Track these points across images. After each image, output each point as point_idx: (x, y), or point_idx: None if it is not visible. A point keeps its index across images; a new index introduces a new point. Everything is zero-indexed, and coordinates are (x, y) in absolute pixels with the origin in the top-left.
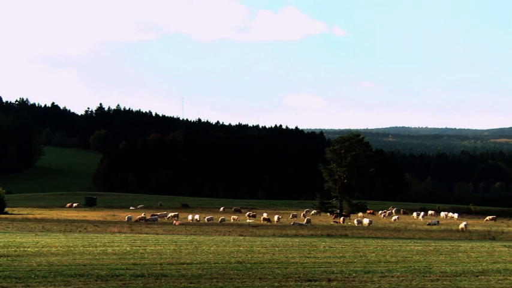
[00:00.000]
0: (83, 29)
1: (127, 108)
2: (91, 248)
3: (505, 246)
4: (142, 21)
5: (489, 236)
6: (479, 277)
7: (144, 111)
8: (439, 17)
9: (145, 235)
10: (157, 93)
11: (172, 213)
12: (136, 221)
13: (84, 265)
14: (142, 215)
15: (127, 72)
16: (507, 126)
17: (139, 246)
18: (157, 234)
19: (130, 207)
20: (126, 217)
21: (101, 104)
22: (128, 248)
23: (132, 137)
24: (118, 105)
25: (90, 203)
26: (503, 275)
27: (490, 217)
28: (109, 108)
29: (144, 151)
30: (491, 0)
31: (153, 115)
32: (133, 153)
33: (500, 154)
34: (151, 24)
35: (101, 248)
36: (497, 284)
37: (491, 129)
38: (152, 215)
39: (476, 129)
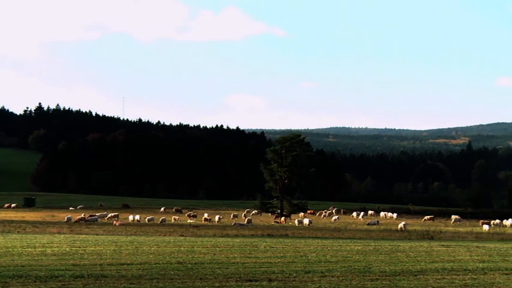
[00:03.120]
0: (22, 28)
1: (67, 108)
2: (30, 249)
3: (443, 245)
4: (82, 20)
5: (427, 236)
6: (417, 276)
7: (84, 111)
8: (380, 16)
9: (85, 236)
10: (97, 93)
11: (112, 214)
12: (76, 221)
13: (23, 266)
14: (82, 215)
15: (67, 71)
16: (445, 127)
17: (79, 247)
18: (97, 234)
19: (70, 208)
20: (66, 217)
21: (40, 103)
22: (67, 249)
23: (72, 137)
24: (57, 105)
25: (28, 204)
26: (441, 274)
27: (428, 217)
28: (48, 108)
29: (84, 151)
30: (433, 1)
31: (93, 115)
32: (73, 153)
33: (438, 154)
34: (92, 23)
35: (39, 249)
36: (435, 283)
37: (430, 130)
38: (91, 215)
39: (415, 130)
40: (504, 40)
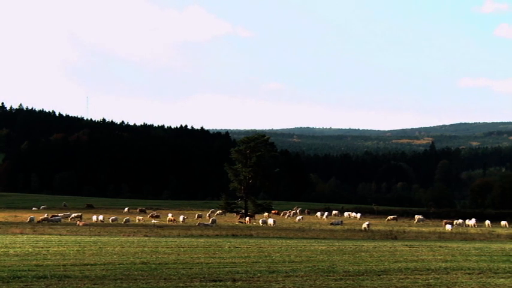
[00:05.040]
0: None
1: (30, 108)
2: None
3: (406, 245)
4: (45, 19)
5: (391, 236)
6: (381, 276)
7: (47, 111)
8: (344, 17)
9: (48, 236)
10: (61, 92)
11: (76, 214)
12: (39, 221)
13: None
14: (45, 215)
15: (30, 71)
16: (408, 127)
17: (42, 248)
18: (60, 235)
19: (33, 208)
20: (29, 218)
21: (2, 103)
22: (30, 249)
23: (35, 137)
24: (20, 104)
25: None
26: (405, 274)
27: (392, 217)
28: (11, 107)
29: (48, 151)
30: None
31: (57, 115)
32: (36, 153)
33: (402, 154)
34: (55, 23)
35: (2, 250)
36: (398, 282)
37: (393, 130)
38: (53, 216)
39: (378, 130)
40: (466, 41)
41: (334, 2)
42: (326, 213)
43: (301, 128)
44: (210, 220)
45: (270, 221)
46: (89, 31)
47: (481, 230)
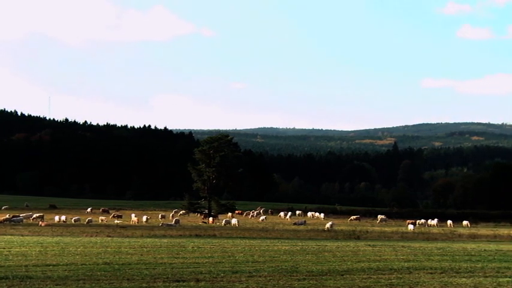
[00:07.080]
0: None
1: None
2: None
3: (369, 245)
4: (7, 19)
5: (354, 236)
6: (344, 276)
7: (9, 111)
8: (308, 18)
9: (10, 237)
10: (23, 92)
11: (38, 214)
12: (0, 222)
13: None
14: (7, 216)
15: None
16: (371, 127)
17: (4, 248)
18: (22, 235)
19: None
20: None
21: None
22: None
23: None
24: None
25: None
26: (367, 274)
27: (354, 217)
28: None
29: (9, 151)
30: (359, 5)
31: (19, 114)
32: None
33: (365, 155)
34: (15, 23)
35: None
36: (361, 282)
37: (357, 130)
38: (14, 216)
39: (342, 130)
40: (429, 42)
41: (299, 2)
42: (289, 213)
43: (264, 128)
44: (173, 220)
45: (234, 221)
46: (50, 30)
47: (443, 229)
